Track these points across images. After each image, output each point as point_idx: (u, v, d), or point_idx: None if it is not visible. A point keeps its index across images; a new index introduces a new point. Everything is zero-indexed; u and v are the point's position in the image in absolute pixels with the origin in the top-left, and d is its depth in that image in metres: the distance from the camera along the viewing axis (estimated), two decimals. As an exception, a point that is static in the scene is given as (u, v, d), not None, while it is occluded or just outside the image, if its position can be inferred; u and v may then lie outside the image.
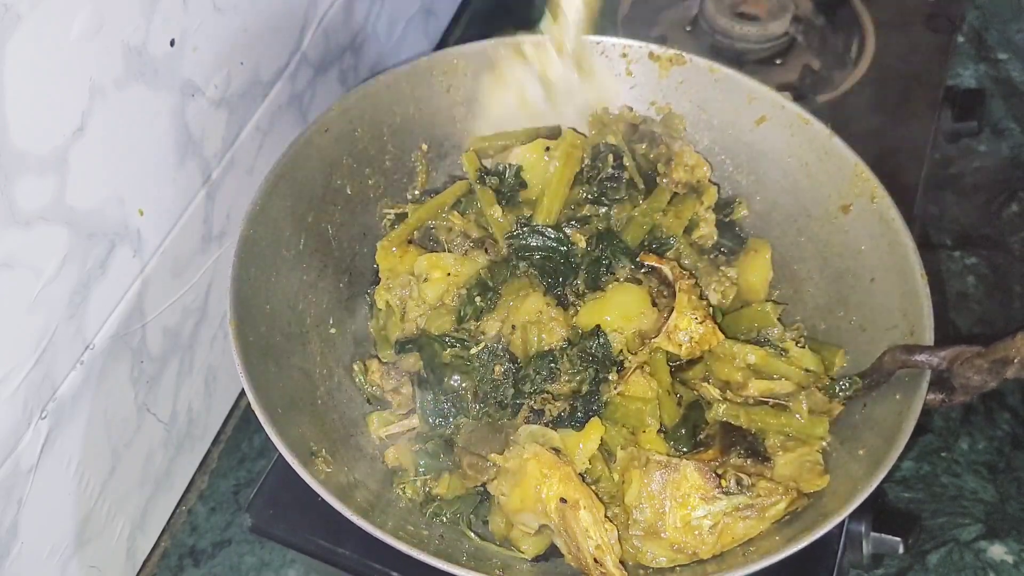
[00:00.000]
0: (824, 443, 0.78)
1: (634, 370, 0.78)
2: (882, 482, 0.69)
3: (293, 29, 0.97)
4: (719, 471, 0.74)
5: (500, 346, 0.81)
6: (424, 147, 0.96)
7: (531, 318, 0.81)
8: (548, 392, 0.79)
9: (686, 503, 0.72)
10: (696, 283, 0.82)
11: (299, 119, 1.02)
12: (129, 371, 0.85)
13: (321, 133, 0.87)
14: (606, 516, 0.72)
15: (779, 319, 0.85)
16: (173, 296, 0.89)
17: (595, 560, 0.70)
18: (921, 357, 0.71)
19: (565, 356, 0.79)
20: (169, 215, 0.85)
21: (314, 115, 1.01)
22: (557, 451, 0.74)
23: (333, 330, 0.88)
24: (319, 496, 0.68)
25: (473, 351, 0.81)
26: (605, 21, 1.20)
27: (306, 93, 1.02)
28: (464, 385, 0.81)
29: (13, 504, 0.75)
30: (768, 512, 0.72)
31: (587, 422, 0.76)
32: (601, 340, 0.79)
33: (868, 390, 0.78)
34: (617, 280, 0.83)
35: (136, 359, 0.85)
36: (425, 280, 0.84)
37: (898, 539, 0.84)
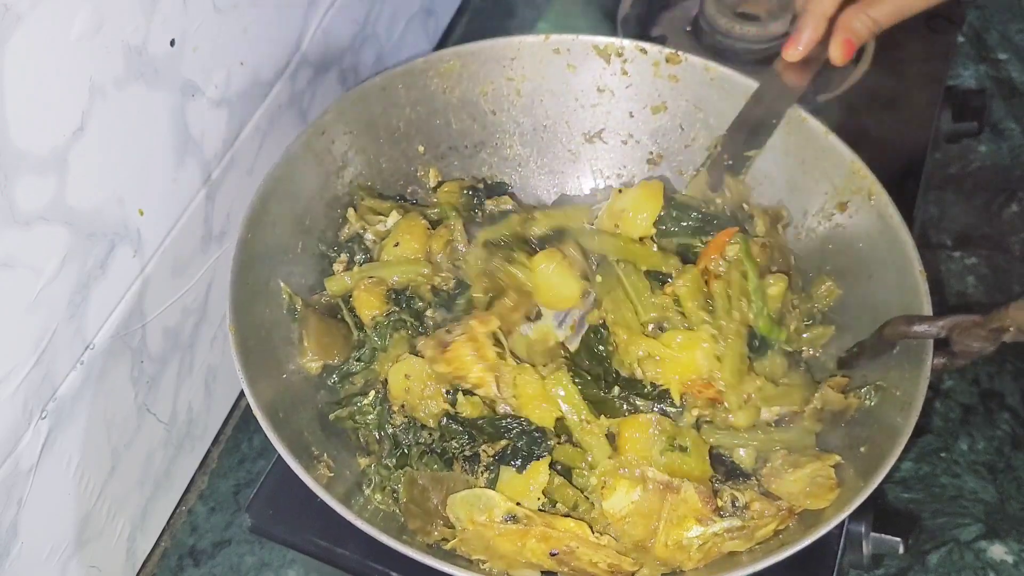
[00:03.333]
0: (839, 458, 0.75)
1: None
2: (882, 482, 0.68)
3: (293, 29, 0.97)
4: (714, 489, 0.74)
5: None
6: (420, 149, 0.96)
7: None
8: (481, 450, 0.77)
9: (682, 524, 0.71)
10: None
11: (299, 119, 1.02)
12: (129, 371, 0.85)
13: (318, 136, 0.87)
14: (593, 532, 0.71)
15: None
16: (173, 296, 0.89)
17: (612, 574, 0.70)
18: (921, 327, 0.72)
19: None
20: (169, 215, 0.85)
21: (314, 115, 1.01)
22: (514, 517, 0.71)
23: (333, 331, 0.88)
24: (319, 497, 0.68)
25: (365, 402, 0.80)
26: (605, 21, 1.20)
27: (306, 93, 1.02)
28: (365, 436, 0.80)
29: (13, 504, 0.75)
30: (757, 533, 0.72)
31: (530, 463, 0.75)
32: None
33: (870, 359, 0.78)
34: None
35: (136, 359, 0.85)
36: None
37: (898, 539, 0.84)
